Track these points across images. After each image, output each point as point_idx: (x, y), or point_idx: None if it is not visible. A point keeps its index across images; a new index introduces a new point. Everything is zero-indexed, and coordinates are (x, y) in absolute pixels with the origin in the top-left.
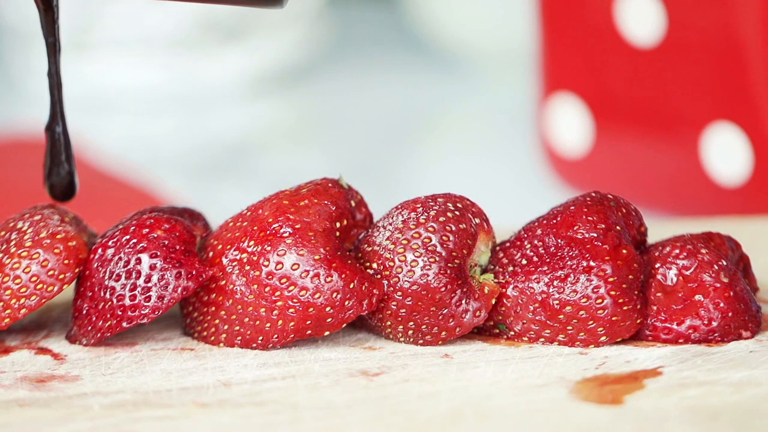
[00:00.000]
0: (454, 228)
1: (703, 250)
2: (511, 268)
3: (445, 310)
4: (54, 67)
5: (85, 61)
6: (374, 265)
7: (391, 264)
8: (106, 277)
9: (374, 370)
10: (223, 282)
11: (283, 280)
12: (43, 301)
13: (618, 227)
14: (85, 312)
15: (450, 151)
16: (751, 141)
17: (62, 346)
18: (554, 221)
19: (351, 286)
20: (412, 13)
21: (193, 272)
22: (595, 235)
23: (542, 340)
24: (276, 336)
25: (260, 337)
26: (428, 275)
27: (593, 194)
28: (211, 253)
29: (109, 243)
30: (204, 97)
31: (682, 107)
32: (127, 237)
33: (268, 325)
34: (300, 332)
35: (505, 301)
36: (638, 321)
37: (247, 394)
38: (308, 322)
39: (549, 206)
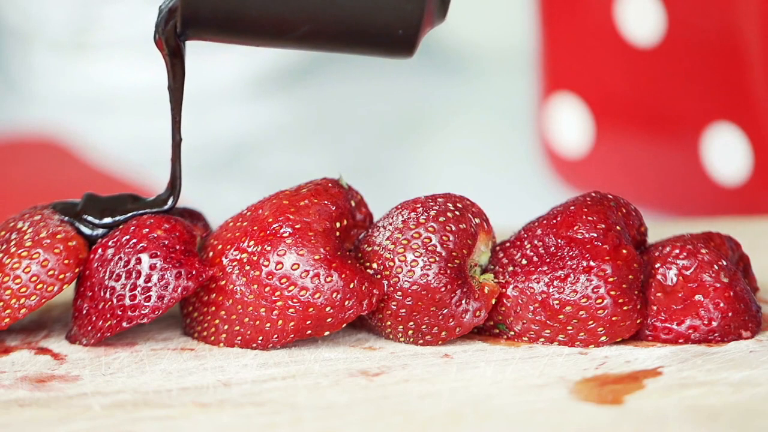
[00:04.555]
0: (454, 228)
1: (703, 250)
2: (511, 268)
3: (445, 310)
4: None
5: (85, 61)
6: (374, 265)
7: (391, 264)
8: (106, 277)
9: (374, 370)
10: (223, 282)
11: (283, 280)
12: (43, 301)
13: (618, 227)
14: (85, 312)
15: (450, 150)
16: (751, 141)
17: (62, 346)
18: (554, 221)
19: (351, 286)
20: None
21: (193, 272)
22: (595, 235)
23: (542, 340)
24: (276, 336)
25: (260, 337)
26: (428, 275)
27: (593, 194)
28: (211, 253)
29: (109, 243)
30: (204, 97)
31: (682, 107)
32: (127, 237)
33: (268, 325)
34: (300, 332)
35: (505, 301)
36: (638, 321)
37: (247, 394)
38: (308, 322)
39: (549, 206)
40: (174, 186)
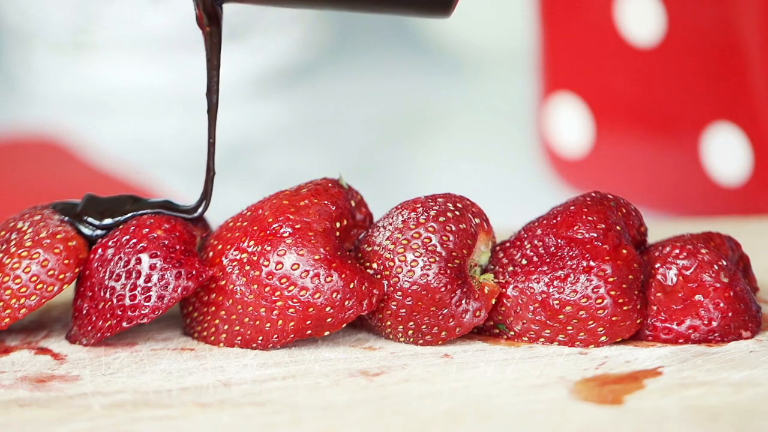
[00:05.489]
0: (454, 228)
1: (703, 250)
2: (511, 268)
3: (445, 310)
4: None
5: (85, 61)
6: (374, 265)
7: (391, 264)
8: (106, 277)
9: (374, 370)
10: (223, 282)
11: (283, 280)
12: (43, 301)
13: (618, 227)
14: (85, 312)
15: (450, 150)
16: (751, 141)
17: (62, 346)
18: (554, 221)
19: (351, 286)
20: None
21: (193, 272)
22: (595, 235)
23: (542, 340)
24: (276, 336)
25: (260, 337)
26: (428, 275)
27: (593, 194)
28: (211, 253)
29: (109, 243)
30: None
31: (682, 107)
32: (127, 237)
33: (268, 325)
34: (300, 332)
35: (505, 301)
36: (638, 321)
37: (247, 394)
38: (308, 322)
39: (549, 206)
40: (203, 200)
